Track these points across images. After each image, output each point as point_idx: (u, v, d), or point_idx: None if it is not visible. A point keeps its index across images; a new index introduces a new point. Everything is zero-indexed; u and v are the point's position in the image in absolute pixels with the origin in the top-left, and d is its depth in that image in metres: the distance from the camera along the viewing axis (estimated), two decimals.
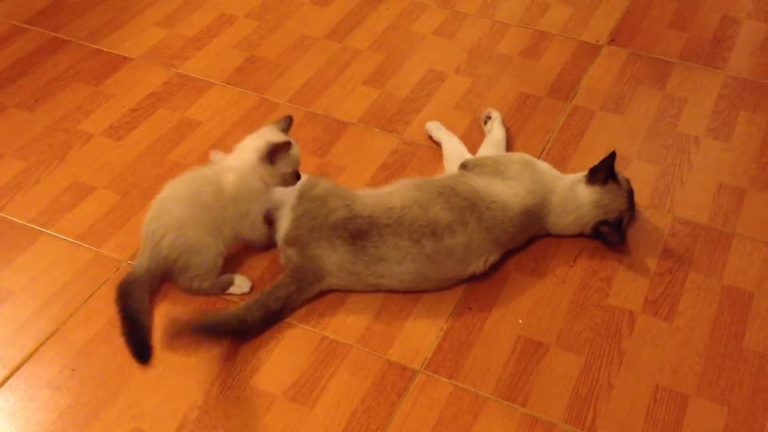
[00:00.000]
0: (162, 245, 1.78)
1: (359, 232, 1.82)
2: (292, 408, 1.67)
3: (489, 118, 2.32)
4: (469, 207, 1.87)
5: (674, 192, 2.17)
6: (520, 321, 1.84)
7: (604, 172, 1.96)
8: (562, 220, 1.97)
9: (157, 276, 1.82)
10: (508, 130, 2.31)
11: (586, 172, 2.00)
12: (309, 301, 1.85)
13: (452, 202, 1.87)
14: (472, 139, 2.28)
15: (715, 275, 1.96)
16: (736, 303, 1.90)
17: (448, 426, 1.65)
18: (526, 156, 2.06)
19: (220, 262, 1.84)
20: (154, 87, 2.46)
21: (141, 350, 1.73)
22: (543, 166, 2.04)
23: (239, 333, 1.77)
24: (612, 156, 1.96)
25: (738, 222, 2.09)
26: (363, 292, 1.87)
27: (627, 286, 1.93)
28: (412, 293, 1.88)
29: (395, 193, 1.91)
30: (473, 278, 1.91)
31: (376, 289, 1.87)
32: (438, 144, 2.25)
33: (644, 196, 2.15)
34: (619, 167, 2.23)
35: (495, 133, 2.25)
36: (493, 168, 1.99)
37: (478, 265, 1.87)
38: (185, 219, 1.79)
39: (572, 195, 1.97)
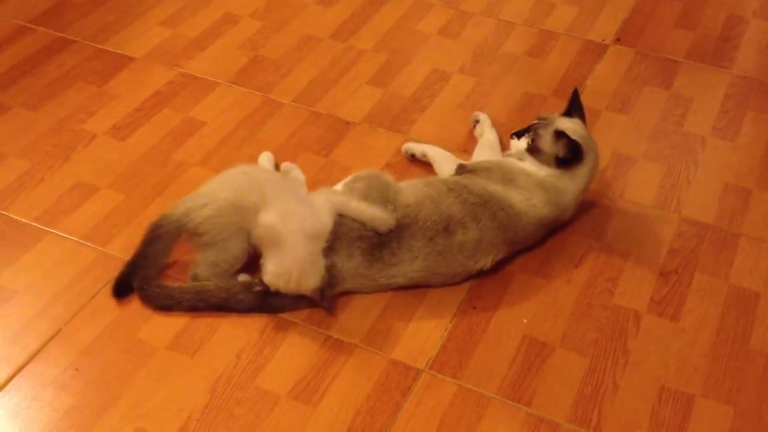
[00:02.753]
0: (200, 212, 1.80)
1: (381, 242, 1.82)
2: (296, 407, 1.66)
3: (477, 121, 2.30)
4: (482, 204, 1.86)
5: (680, 192, 2.16)
6: (525, 321, 1.83)
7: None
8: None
9: (180, 230, 1.84)
10: (512, 131, 2.29)
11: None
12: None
13: (464, 198, 1.87)
14: (476, 141, 2.27)
15: (722, 275, 1.95)
16: (743, 303, 1.89)
17: (452, 426, 1.64)
18: (520, 165, 1.99)
19: (239, 264, 1.84)
20: (159, 87, 2.45)
21: (120, 287, 1.84)
22: (530, 167, 1.98)
23: (225, 308, 1.82)
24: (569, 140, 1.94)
25: (744, 222, 2.08)
26: (371, 293, 1.87)
27: (632, 287, 1.92)
28: (417, 294, 1.88)
29: (406, 189, 1.91)
30: (478, 277, 1.90)
31: (386, 289, 1.87)
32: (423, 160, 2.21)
33: (650, 195, 2.14)
34: (626, 167, 2.23)
35: (487, 136, 2.23)
36: (501, 176, 1.95)
37: (486, 262, 1.87)
38: (239, 207, 1.79)
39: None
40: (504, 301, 1.88)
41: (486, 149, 2.18)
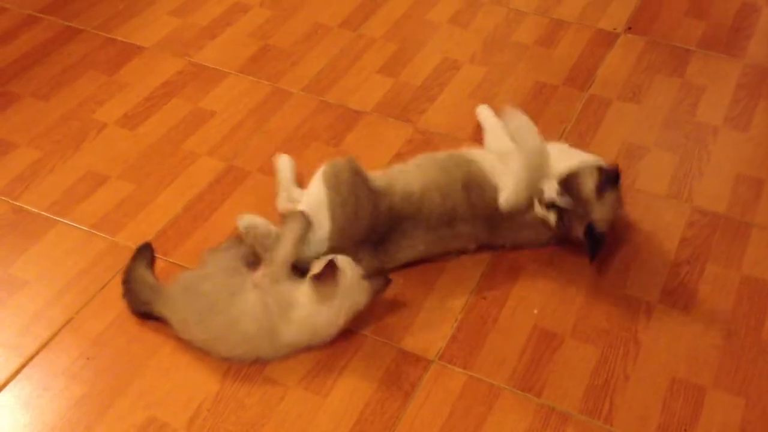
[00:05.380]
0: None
1: (382, 236, 1.83)
2: (305, 397, 1.67)
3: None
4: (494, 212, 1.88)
5: (692, 181, 2.14)
6: (536, 311, 1.83)
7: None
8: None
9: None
10: None
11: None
12: None
13: (475, 194, 1.88)
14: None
15: (734, 266, 1.93)
16: (755, 294, 1.88)
17: (462, 416, 1.64)
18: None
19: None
20: (168, 76, 2.45)
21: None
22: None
23: None
24: None
25: (757, 212, 2.06)
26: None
27: (644, 277, 1.91)
28: (427, 284, 1.87)
29: (416, 170, 1.91)
30: (488, 268, 1.91)
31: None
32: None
33: (662, 185, 2.13)
34: (637, 156, 2.21)
35: (489, 120, 2.22)
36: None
37: (472, 248, 1.92)
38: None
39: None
40: (514, 291, 1.87)
41: (497, 136, 2.15)
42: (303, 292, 1.70)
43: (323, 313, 1.69)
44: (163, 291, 1.76)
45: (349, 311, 1.71)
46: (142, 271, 1.83)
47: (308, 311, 1.69)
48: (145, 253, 1.89)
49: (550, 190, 1.84)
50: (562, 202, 1.82)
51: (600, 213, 1.84)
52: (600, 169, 1.85)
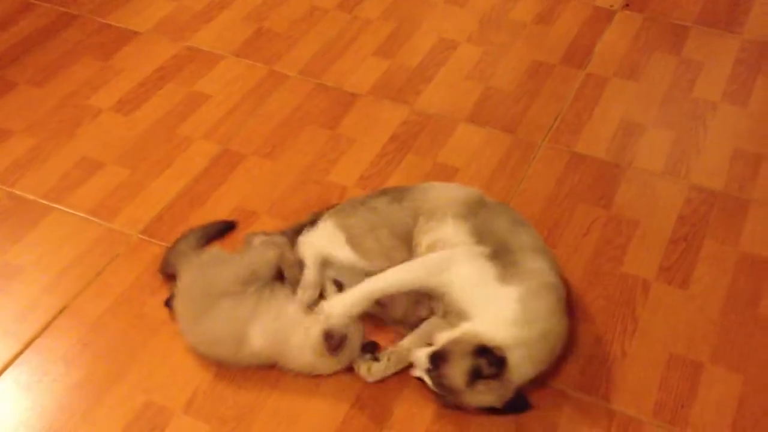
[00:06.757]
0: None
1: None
2: (302, 381, 1.66)
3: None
4: None
5: (690, 158, 2.13)
6: None
7: None
8: None
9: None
10: (520, 100, 2.28)
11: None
12: None
13: None
14: (483, 111, 2.26)
15: (731, 242, 1.93)
16: (753, 270, 1.87)
17: None
18: None
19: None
20: (163, 61, 2.44)
21: None
22: None
23: None
24: None
25: (755, 188, 2.05)
26: None
27: (641, 254, 1.90)
28: None
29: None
30: None
31: None
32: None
33: (659, 163, 2.12)
34: (636, 134, 2.20)
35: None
36: None
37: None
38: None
39: None
40: None
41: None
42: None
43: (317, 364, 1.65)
44: (188, 255, 1.77)
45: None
46: (191, 239, 1.84)
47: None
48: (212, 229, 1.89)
49: (419, 361, 1.55)
50: (429, 380, 1.54)
51: (472, 400, 1.52)
52: (477, 353, 1.48)
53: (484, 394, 1.49)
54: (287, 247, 1.75)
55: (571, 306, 1.79)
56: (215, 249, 1.81)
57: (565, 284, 1.69)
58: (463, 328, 1.53)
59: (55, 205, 2.02)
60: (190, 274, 1.71)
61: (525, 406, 1.57)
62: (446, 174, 2.08)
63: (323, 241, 1.74)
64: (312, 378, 1.66)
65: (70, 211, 2.01)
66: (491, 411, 1.54)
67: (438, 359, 1.50)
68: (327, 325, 1.59)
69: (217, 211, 1.99)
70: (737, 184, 2.06)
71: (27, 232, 1.96)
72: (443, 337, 1.53)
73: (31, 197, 2.04)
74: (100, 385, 1.66)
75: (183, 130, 2.22)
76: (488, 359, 1.46)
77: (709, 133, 2.20)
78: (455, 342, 1.50)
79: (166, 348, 1.72)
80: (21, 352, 1.72)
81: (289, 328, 1.63)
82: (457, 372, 1.47)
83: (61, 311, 1.79)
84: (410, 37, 2.53)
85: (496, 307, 1.54)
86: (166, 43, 2.51)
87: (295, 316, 1.65)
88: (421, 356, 1.54)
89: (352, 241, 1.71)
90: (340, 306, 1.62)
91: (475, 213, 1.69)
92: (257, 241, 1.79)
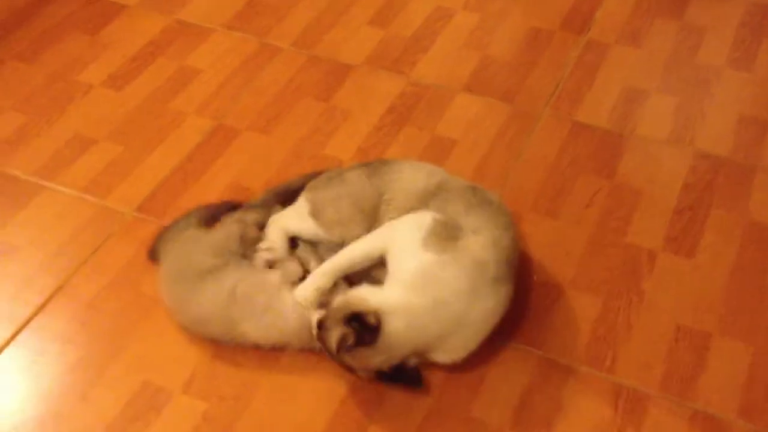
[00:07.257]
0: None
1: None
2: (301, 359, 1.63)
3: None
4: None
5: (695, 125, 2.09)
6: (535, 278, 1.78)
7: None
8: None
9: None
10: (519, 68, 2.23)
11: None
12: None
13: None
14: (481, 81, 2.21)
15: (738, 210, 1.89)
16: (760, 238, 1.83)
17: (464, 370, 1.61)
18: None
19: None
20: (153, 35, 2.38)
21: None
22: None
23: None
24: None
25: (761, 154, 2.01)
26: None
27: (646, 224, 1.87)
28: None
29: None
30: None
31: None
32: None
33: (664, 130, 2.08)
34: (639, 101, 2.15)
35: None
36: None
37: None
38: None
39: None
40: None
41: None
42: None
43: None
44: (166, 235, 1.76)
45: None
46: (182, 224, 1.80)
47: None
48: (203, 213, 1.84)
49: (312, 324, 1.55)
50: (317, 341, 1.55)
51: (354, 364, 1.51)
52: (348, 320, 1.45)
53: (361, 360, 1.48)
54: (252, 227, 1.74)
55: (574, 279, 1.76)
56: (191, 230, 1.77)
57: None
58: (349, 293, 1.52)
59: (47, 184, 1.98)
60: (169, 257, 1.70)
61: (416, 381, 1.54)
62: (444, 146, 2.04)
63: (291, 213, 1.74)
64: (311, 356, 1.63)
65: (63, 189, 1.97)
66: (381, 377, 1.52)
67: (320, 324, 1.51)
68: (320, 315, 1.55)
69: (212, 187, 1.95)
70: (743, 150, 2.02)
71: (18, 211, 1.92)
72: (334, 301, 1.52)
73: (23, 176, 2.00)
74: (98, 364, 1.64)
75: (175, 105, 2.17)
76: (359, 326, 1.44)
77: (714, 99, 2.16)
78: (335, 308, 1.49)
79: (163, 327, 1.69)
80: (18, 333, 1.69)
81: (273, 296, 1.61)
82: (331, 338, 1.47)
83: (56, 291, 1.76)
84: (405, 6, 2.48)
85: (403, 269, 1.51)
86: (155, 17, 2.45)
87: (276, 283, 1.63)
88: (312, 320, 1.54)
89: (315, 213, 1.69)
90: (311, 290, 1.59)
91: (433, 197, 1.64)
92: (228, 219, 1.78)
